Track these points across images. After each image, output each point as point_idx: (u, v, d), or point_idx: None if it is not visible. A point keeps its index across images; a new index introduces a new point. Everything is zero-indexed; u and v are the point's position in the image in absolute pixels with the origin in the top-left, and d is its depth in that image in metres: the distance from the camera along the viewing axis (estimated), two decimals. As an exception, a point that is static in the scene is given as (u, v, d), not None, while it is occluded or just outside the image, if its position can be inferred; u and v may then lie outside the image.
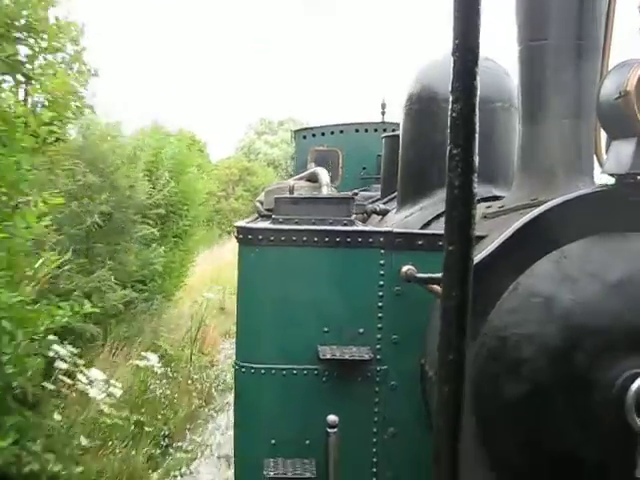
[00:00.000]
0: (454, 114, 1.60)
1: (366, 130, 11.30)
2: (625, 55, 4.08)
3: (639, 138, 3.71)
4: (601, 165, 4.50)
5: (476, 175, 1.61)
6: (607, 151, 4.06)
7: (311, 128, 11.97)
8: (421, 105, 6.35)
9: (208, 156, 51.37)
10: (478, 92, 1.60)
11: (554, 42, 4.44)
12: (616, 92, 3.73)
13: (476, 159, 1.60)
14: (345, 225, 4.58)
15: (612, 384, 3.64)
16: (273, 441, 4.49)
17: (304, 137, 11.70)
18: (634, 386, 3.49)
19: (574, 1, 4.40)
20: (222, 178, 46.31)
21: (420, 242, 4.45)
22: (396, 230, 4.61)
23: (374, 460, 4.55)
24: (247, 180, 48.00)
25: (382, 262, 4.46)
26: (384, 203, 7.90)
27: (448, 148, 1.62)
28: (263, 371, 4.50)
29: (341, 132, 11.44)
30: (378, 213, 7.41)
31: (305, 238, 4.45)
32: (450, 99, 1.60)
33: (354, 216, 7.17)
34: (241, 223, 4.90)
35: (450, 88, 1.61)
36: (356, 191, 9.88)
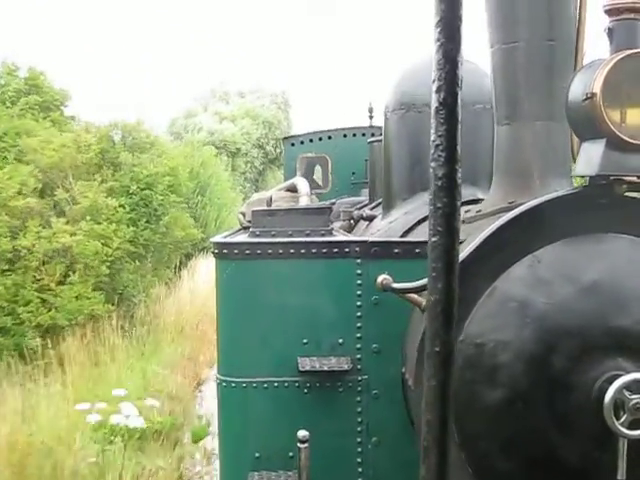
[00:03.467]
0: (436, 104, 1.59)
1: (354, 135, 11.25)
2: (594, 56, 4.08)
3: (607, 139, 3.70)
4: None
5: (460, 165, 1.60)
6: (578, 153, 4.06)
7: (299, 135, 11.93)
8: (402, 110, 6.36)
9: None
10: (461, 81, 1.59)
11: (525, 44, 4.44)
12: (583, 94, 3.72)
13: (459, 149, 1.59)
14: (323, 235, 4.57)
15: (590, 387, 3.64)
16: (257, 454, 4.49)
17: (292, 144, 11.66)
18: (612, 388, 3.48)
19: (544, 2, 4.40)
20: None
21: (397, 250, 4.44)
22: (372, 239, 4.61)
23: (359, 470, 4.54)
24: (125, 167, 19.50)
25: (359, 272, 4.45)
26: (371, 208, 7.89)
27: (431, 138, 1.60)
28: (244, 384, 4.50)
29: (329, 138, 11.40)
30: (365, 219, 7.41)
31: (281, 251, 4.44)
32: (433, 88, 1.59)
33: (338, 224, 7.21)
34: (217, 238, 4.90)
35: (432, 77, 1.60)
36: (333, 200, 9.86)
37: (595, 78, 3.68)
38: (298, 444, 3.81)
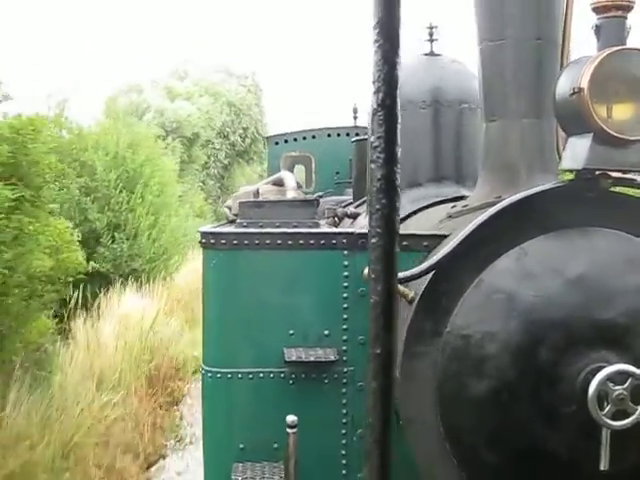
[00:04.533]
0: (375, 105, 1.60)
1: (338, 135, 11.31)
2: (581, 53, 4.14)
3: (594, 134, 3.75)
4: None
5: (399, 166, 1.61)
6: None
7: (283, 134, 11.97)
8: None
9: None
10: (399, 82, 1.61)
11: (513, 42, 4.49)
12: (570, 89, 3.77)
13: (398, 150, 1.60)
14: (310, 227, 4.59)
15: (575, 378, 3.68)
16: (242, 445, 4.48)
17: (276, 143, 11.71)
18: (595, 380, 3.52)
19: (533, 1, 4.45)
20: None
21: None
22: (359, 231, 4.63)
23: (343, 462, 4.54)
24: None
25: (346, 263, 4.47)
26: (355, 207, 7.92)
27: (370, 140, 1.62)
28: (230, 375, 4.50)
29: (313, 137, 11.46)
30: (349, 216, 7.43)
31: (268, 241, 4.45)
32: (371, 90, 1.60)
33: (323, 221, 7.21)
34: (205, 228, 4.90)
35: (371, 79, 1.61)
36: (320, 194, 9.88)
37: (583, 73, 3.72)
38: (287, 429, 3.82)
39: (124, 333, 14.05)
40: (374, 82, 1.57)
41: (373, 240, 1.60)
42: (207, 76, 41.82)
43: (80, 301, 13.79)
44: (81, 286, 13.65)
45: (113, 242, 17.78)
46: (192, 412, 13.84)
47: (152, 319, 15.33)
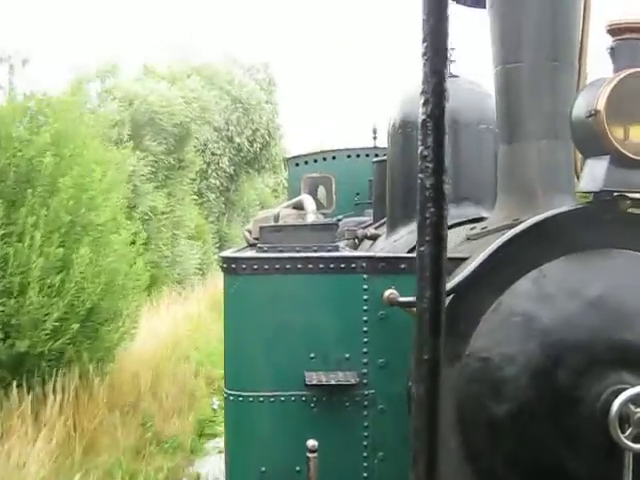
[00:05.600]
0: (424, 116, 1.64)
1: (358, 155, 11.39)
2: (596, 75, 4.16)
3: (611, 156, 3.77)
4: None
5: (447, 176, 1.64)
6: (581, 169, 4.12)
7: (303, 155, 12.08)
8: (406, 130, 6.43)
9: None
10: (448, 94, 1.64)
11: (529, 64, 4.52)
12: (587, 111, 3.79)
13: (446, 160, 1.64)
14: (329, 251, 4.62)
15: (595, 400, 3.66)
16: (263, 468, 4.50)
17: (296, 164, 11.82)
18: (617, 402, 3.50)
19: (548, 23, 4.48)
20: None
21: (403, 266, 4.49)
22: (378, 255, 4.66)
23: None
24: None
25: (365, 287, 4.50)
26: (375, 228, 7.94)
27: (419, 150, 1.65)
28: (251, 398, 4.53)
29: (333, 158, 11.54)
30: (369, 238, 7.46)
31: (288, 265, 4.49)
32: (420, 102, 1.64)
33: (343, 242, 7.25)
34: (226, 253, 4.95)
35: (419, 91, 1.65)
36: (340, 217, 9.92)
37: (599, 95, 3.75)
38: (307, 454, 3.83)
39: None
40: (423, 94, 1.62)
41: (422, 248, 1.64)
42: (206, 61, 32.84)
43: None
44: None
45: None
46: None
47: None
